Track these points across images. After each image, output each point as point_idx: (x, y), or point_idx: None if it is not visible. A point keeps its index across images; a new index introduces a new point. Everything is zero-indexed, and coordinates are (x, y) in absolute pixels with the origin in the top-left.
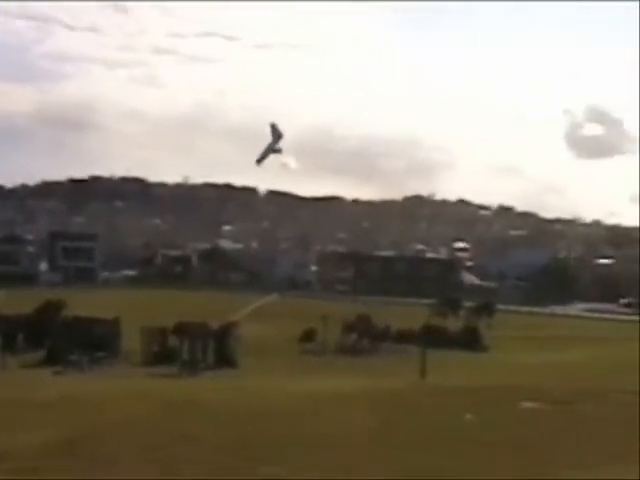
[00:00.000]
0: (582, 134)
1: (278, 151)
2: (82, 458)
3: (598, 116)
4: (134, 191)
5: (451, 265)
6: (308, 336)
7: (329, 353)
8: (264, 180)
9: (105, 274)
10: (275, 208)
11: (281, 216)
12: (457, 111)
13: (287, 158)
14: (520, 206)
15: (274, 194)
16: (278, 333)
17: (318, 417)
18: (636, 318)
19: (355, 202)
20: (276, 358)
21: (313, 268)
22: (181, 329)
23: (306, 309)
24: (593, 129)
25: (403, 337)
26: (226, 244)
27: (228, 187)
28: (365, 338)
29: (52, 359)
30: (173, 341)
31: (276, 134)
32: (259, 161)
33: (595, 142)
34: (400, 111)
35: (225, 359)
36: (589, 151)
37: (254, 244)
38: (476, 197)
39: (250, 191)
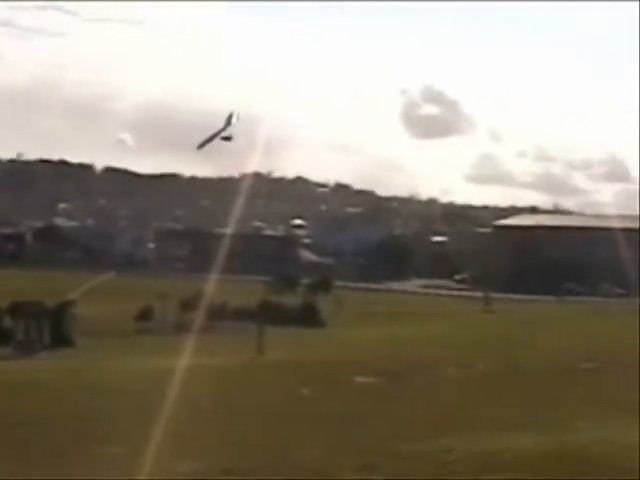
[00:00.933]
0: (418, 114)
1: (229, 139)
2: None
3: (434, 96)
4: None
5: (288, 242)
6: (145, 314)
7: (166, 331)
8: (100, 157)
9: None
10: (112, 185)
11: (118, 193)
12: (295, 89)
13: (124, 135)
14: (357, 184)
15: (111, 171)
16: (115, 311)
17: (155, 395)
18: (470, 294)
19: (193, 179)
20: (113, 337)
21: (150, 246)
22: (15, 309)
23: (143, 287)
24: (429, 109)
25: (241, 314)
26: (61, 222)
27: (64, 164)
28: (203, 316)
29: None
30: (7, 321)
31: (228, 121)
32: (201, 146)
33: (431, 122)
34: (238, 88)
35: (62, 338)
36: (425, 130)
37: (90, 222)
38: (314, 175)
39: (86, 168)
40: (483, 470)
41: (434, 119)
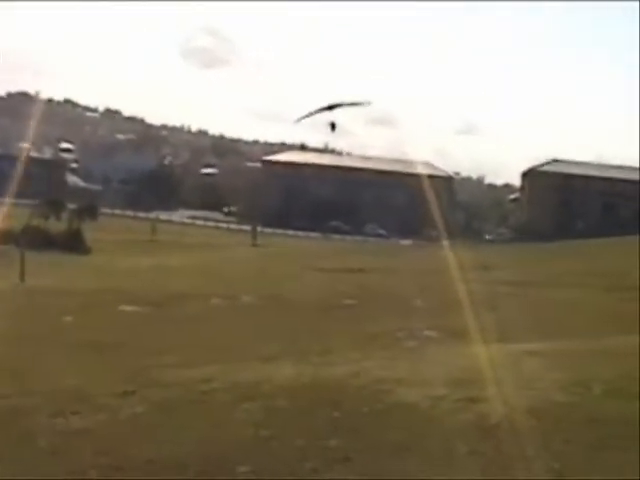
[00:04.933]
0: (195, 46)
1: (333, 127)
2: None
3: (210, 30)
4: None
5: (55, 166)
6: None
7: None
8: None
9: None
10: None
11: None
12: (75, 22)
13: None
14: (127, 110)
15: None
16: None
17: None
18: (237, 227)
19: None
20: None
21: None
22: None
23: None
24: (205, 42)
25: (2, 238)
26: None
27: None
28: None
29: None
30: None
31: (330, 106)
32: (300, 119)
33: (206, 54)
34: (18, 19)
35: None
36: (201, 62)
37: None
38: (83, 98)
39: None
40: (242, 399)
41: (209, 51)
